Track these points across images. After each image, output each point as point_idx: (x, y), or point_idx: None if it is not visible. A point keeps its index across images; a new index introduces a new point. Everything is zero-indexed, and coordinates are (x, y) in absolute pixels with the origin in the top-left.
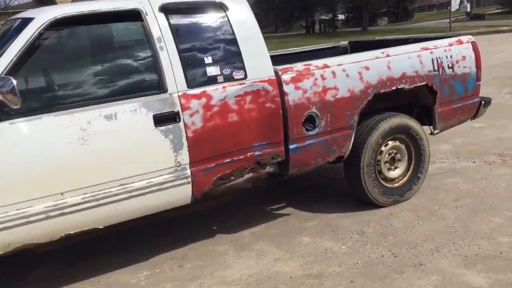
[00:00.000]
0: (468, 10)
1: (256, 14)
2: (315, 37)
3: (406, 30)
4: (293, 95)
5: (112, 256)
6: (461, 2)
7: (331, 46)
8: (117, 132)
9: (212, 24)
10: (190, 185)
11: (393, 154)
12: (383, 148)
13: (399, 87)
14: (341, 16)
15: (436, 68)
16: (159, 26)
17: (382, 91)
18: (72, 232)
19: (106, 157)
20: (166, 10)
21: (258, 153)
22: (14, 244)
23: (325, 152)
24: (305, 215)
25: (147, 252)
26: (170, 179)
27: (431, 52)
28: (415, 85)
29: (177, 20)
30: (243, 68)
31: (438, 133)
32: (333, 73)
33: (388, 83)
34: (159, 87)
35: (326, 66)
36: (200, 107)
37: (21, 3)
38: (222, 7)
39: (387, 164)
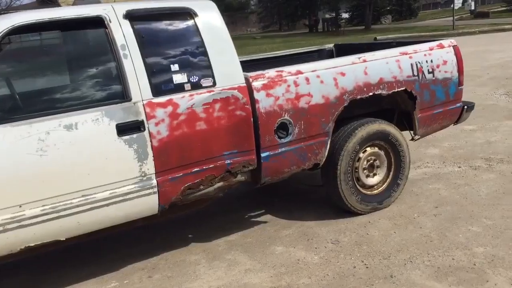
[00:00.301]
0: (473, 8)
1: (259, 13)
2: (318, 36)
3: (410, 28)
4: (264, 102)
5: (82, 266)
6: (465, 0)
7: (316, 49)
8: (78, 142)
9: (180, 31)
10: (156, 195)
11: (371, 161)
12: (361, 155)
13: (376, 92)
14: (345, 15)
15: (415, 73)
16: (123, 34)
17: (358, 97)
18: (33, 245)
19: (67, 168)
20: (131, 17)
21: (228, 162)
22: None
23: (300, 159)
24: (282, 223)
25: (119, 262)
26: (135, 190)
27: (410, 57)
28: (393, 90)
29: (143, 27)
30: (211, 75)
31: (418, 138)
32: (307, 79)
33: (365, 89)
34: (123, 95)
35: (299, 72)
36: (166, 116)
37: (23, 3)
38: (191, 14)
39: (365, 171)
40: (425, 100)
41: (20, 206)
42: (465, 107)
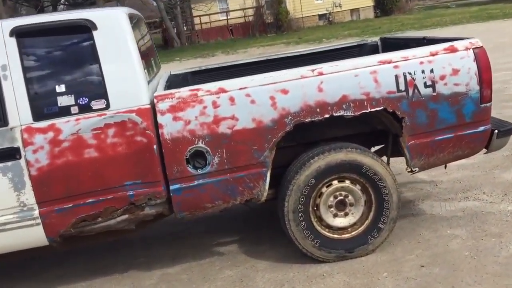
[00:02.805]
0: None
1: None
2: None
3: None
4: (170, 127)
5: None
6: None
7: (356, 44)
8: None
9: (73, 47)
10: (41, 227)
11: (342, 197)
12: (323, 190)
13: (335, 114)
14: None
15: (402, 88)
16: (6, 52)
17: (307, 120)
18: None
19: None
20: (19, 33)
21: (131, 193)
22: None
23: (226, 194)
24: (232, 260)
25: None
26: (14, 220)
27: (396, 67)
28: (363, 111)
29: (31, 44)
30: (105, 96)
31: (418, 171)
32: (231, 99)
33: (318, 110)
34: (1, 120)
35: (222, 90)
36: (46, 142)
37: None
38: (88, 27)
39: (332, 209)
40: (419, 122)
41: None
42: (496, 131)
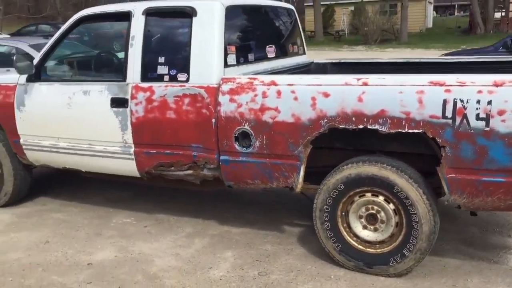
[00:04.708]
0: None
1: None
2: None
3: None
4: (226, 106)
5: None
6: None
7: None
8: (88, 104)
9: (175, 28)
10: (134, 162)
11: (373, 211)
12: (356, 198)
13: (369, 127)
14: None
15: (449, 115)
16: (137, 27)
17: (341, 126)
18: (67, 167)
19: (81, 120)
20: (148, 13)
21: (194, 154)
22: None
23: (264, 176)
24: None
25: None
26: (119, 151)
27: (447, 91)
28: (399, 130)
29: (151, 23)
30: (187, 71)
31: (459, 207)
32: (278, 92)
33: (353, 119)
34: (122, 77)
35: (273, 83)
36: (144, 99)
37: None
38: (191, 13)
39: (362, 220)
40: (463, 156)
41: (58, 139)
42: None
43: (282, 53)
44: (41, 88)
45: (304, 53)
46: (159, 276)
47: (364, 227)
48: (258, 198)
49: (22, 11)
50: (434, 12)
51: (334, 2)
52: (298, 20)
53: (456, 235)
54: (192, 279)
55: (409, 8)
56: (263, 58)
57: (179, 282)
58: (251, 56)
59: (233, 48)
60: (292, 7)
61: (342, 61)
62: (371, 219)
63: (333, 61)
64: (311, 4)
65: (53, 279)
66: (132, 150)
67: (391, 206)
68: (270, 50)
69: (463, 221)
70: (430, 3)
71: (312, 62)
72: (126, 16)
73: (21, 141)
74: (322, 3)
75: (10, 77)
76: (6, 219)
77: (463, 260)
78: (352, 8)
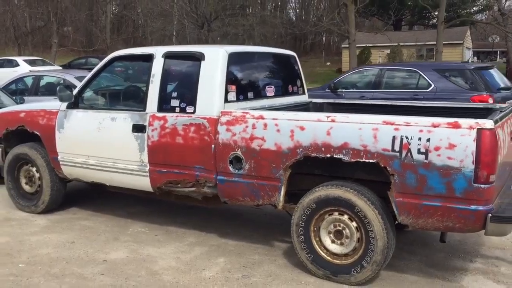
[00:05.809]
0: None
1: None
2: None
3: None
4: (223, 135)
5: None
6: None
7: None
8: (113, 128)
9: (187, 69)
10: (148, 178)
11: (340, 228)
12: (326, 216)
13: (335, 156)
14: None
15: (396, 148)
16: (157, 67)
17: (313, 154)
18: (95, 181)
19: (108, 141)
20: (166, 56)
21: (197, 174)
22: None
23: (252, 194)
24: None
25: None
26: (136, 169)
27: (396, 129)
28: (358, 159)
29: (167, 63)
30: (194, 104)
31: (408, 229)
32: (265, 124)
33: (322, 149)
34: (143, 107)
35: (261, 117)
36: (158, 126)
37: None
38: (200, 57)
39: (330, 235)
40: (408, 183)
41: (88, 157)
42: (490, 215)
43: (281, 92)
44: (77, 114)
45: (304, 93)
46: (159, 273)
47: (332, 241)
48: (256, 218)
49: (75, 45)
50: (476, 58)
51: (371, 45)
52: (299, 64)
53: (423, 258)
54: (186, 277)
55: (446, 52)
56: (262, 96)
57: (175, 278)
58: (250, 94)
59: (233, 87)
60: (293, 53)
61: (337, 101)
62: (338, 235)
63: (329, 101)
64: (347, 46)
65: (74, 269)
66: (147, 168)
67: (354, 224)
68: (269, 90)
69: (434, 248)
70: (468, 48)
71: (311, 102)
72: (149, 57)
73: (59, 157)
74: (359, 45)
75: (54, 104)
76: (42, 223)
77: (420, 277)
78: (388, 51)
